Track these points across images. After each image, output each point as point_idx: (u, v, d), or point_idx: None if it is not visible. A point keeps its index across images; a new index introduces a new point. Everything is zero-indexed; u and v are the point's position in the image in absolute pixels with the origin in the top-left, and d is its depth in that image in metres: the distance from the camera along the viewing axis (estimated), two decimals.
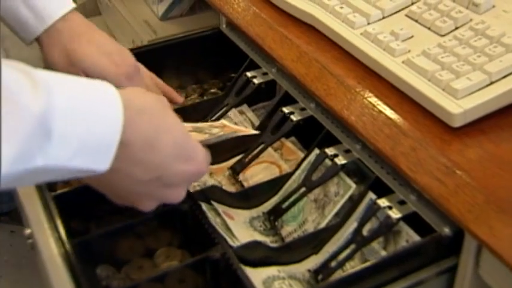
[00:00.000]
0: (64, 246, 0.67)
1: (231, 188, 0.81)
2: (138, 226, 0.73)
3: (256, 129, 0.87)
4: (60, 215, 0.71)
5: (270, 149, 0.84)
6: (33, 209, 0.73)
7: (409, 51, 0.72)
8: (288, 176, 0.79)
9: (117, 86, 0.76)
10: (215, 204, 0.75)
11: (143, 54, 0.88)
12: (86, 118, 0.49)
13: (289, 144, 0.87)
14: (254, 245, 0.70)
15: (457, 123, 0.64)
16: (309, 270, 0.69)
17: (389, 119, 0.67)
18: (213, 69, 1.05)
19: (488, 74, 0.65)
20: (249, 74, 0.90)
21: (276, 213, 0.76)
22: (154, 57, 0.83)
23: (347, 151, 0.75)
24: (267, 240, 0.74)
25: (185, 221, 0.73)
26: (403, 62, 0.71)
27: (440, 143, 0.63)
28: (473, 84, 0.65)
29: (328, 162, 0.74)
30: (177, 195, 0.60)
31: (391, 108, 0.68)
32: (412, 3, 0.78)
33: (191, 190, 0.74)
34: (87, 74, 0.75)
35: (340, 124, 0.75)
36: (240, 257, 0.66)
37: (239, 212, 0.76)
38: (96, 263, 0.71)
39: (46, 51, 0.76)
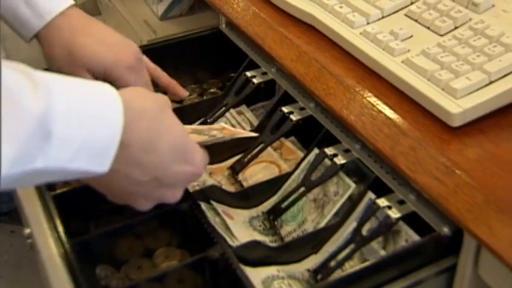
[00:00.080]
0: (63, 245, 0.68)
1: (230, 188, 0.81)
2: (138, 226, 0.73)
3: (255, 128, 0.87)
4: (60, 214, 0.71)
5: (269, 149, 0.85)
6: (33, 209, 0.73)
7: (409, 50, 0.72)
8: (288, 175, 0.79)
9: (120, 77, 0.75)
10: (214, 203, 0.75)
11: (143, 54, 0.87)
12: (86, 119, 0.49)
13: (288, 143, 0.87)
14: (253, 244, 0.70)
15: (456, 123, 0.64)
16: (308, 270, 0.69)
17: (389, 118, 0.67)
18: (213, 69, 1.05)
19: (488, 73, 0.65)
20: (248, 73, 0.90)
21: (275, 213, 0.76)
22: (154, 57, 0.83)
23: (346, 151, 0.75)
24: (266, 239, 0.74)
25: (184, 221, 0.73)
26: (402, 61, 0.70)
27: (440, 142, 0.63)
28: (473, 84, 0.65)
29: (327, 161, 0.74)
30: (174, 196, 0.61)
31: (391, 107, 0.68)
32: (412, 3, 0.78)
33: (190, 190, 0.74)
34: (89, 68, 0.74)
35: (340, 124, 0.75)
36: (239, 257, 0.66)
37: (238, 212, 0.76)
38: (95, 263, 0.71)
39: (46, 48, 0.75)
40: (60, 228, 0.69)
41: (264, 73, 0.90)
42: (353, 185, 0.73)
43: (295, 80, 0.79)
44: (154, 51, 0.82)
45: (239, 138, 0.72)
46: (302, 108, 0.82)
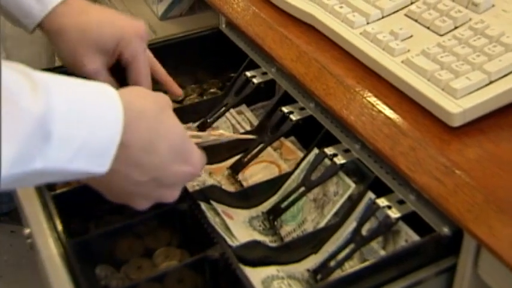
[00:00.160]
0: (63, 245, 0.68)
1: (230, 188, 0.81)
2: (137, 226, 0.73)
3: (255, 128, 0.87)
4: (60, 214, 0.71)
5: (269, 149, 0.85)
6: (33, 209, 0.73)
7: (409, 50, 0.72)
8: (287, 175, 0.79)
9: (133, 48, 0.75)
10: (214, 203, 0.75)
11: None
12: (86, 120, 0.49)
13: (288, 143, 0.87)
14: (253, 244, 0.70)
15: (456, 123, 0.63)
16: (308, 270, 0.69)
17: (389, 118, 0.67)
18: (213, 69, 1.05)
19: (488, 73, 0.65)
20: (248, 73, 0.90)
21: (275, 213, 0.76)
22: (154, 57, 0.83)
23: (346, 151, 0.75)
24: (266, 239, 0.74)
25: (184, 221, 0.73)
26: (402, 61, 0.70)
27: (440, 142, 0.63)
28: (473, 84, 0.65)
29: (327, 161, 0.74)
30: (172, 195, 0.61)
31: (391, 107, 0.68)
32: (412, 3, 0.78)
33: (190, 190, 0.74)
34: (102, 42, 0.73)
35: (340, 124, 0.75)
36: (239, 257, 0.66)
37: (238, 212, 0.76)
38: (95, 263, 0.71)
39: (54, 34, 0.73)
40: (60, 228, 0.69)
41: (264, 73, 0.90)
42: (353, 185, 0.73)
43: (295, 80, 0.79)
44: (154, 51, 0.81)
45: (239, 140, 0.73)
46: (302, 108, 0.82)
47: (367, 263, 0.63)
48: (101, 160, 0.50)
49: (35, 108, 0.45)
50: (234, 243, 0.69)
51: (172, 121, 0.59)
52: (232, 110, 0.91)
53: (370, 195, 0.70)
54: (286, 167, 0.84)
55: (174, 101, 0.90)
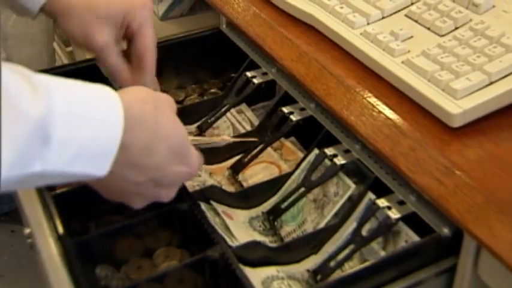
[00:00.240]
0: (63, 245, 0.68)
1: (230, 188, 0.81)
2: (138, 226, 0.73)
3: (256, 129, 0.87)
4: (60, 214, 0.71)
5: (269, 149, 0.84)
6: (33, 209, 0.73)
7: (409, 51, 0.72)
8: (288, 176, 0.79)
9: (142, 18, 0.74)
10: (214, 204, 0.75)
11: None
12: (86, 123, 0.49)
13: (288, 144, 0.87)
14: (253, 245, 0.70)
15: (456, 124, 0.63)
16: (308, 270, 0.69)
17: (389, 119, 0.67)
18: (213, 69, 1.05)
19: (488, 74, 0.65)
20: (248, 74, 0.90)
21: (275, 213, 0.76)
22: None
23: (346, 151, 0.75)
24: (266, 240, 0.74)
25: (184, 221, 0.73)
26: (402, 62, 0.70)
27: (440, 143, 0.63)
28: (473, 85, 0.65)
29: (327, 162, 0.74)
30: (168, 195, 0.61)
31: (391, 108, 0.68)
32: (412, 4, 0.78)
33: (190, 190, 0.74)
34: (111, 14, 0.72)
35: (340, 124, 0.75)
36: (239, 257, 0.66)
37: (238, 212, 0.76)
38: (95, 263, 0.71)
39: (60, 16, 0.72)
40: (60, 228, 0.69)
41: (265, 73, 0.90)
42: (353, 186, 0.73)
43: (296, 81, 0.79)
44: None
45: (239, 141, 0.73)
46: (302, 109, 0.82)
47: (367, 264, 0.63)
48: (101, 163, 0.50)
49: (34, 110, 0.45)
50: (234, 243, 0.69)
51: (173, 122, 0.59)
52: (232, 109, 0.91)
53: (370, 195, 0.70)
54: (286, 168, 0.84)
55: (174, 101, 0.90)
